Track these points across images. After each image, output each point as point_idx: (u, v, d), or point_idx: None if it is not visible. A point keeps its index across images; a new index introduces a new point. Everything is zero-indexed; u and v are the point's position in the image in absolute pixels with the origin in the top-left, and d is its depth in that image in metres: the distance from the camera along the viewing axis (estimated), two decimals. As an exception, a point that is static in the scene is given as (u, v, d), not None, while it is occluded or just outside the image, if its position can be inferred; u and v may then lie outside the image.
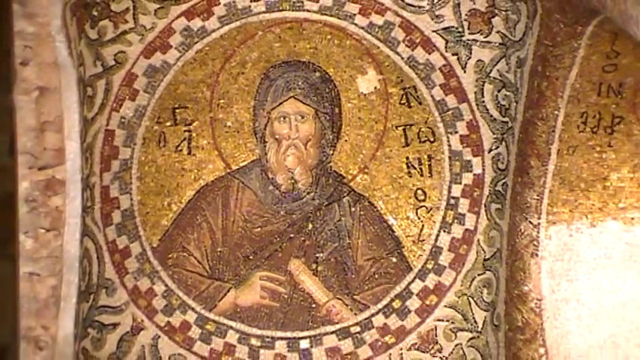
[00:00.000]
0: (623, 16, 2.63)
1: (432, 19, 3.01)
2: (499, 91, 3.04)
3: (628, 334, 3.09)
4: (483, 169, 3.07)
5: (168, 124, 3.02)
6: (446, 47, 3.00)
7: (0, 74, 1.18)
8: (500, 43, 3.00)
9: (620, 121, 2.96)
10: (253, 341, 3.08)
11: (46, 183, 3.05)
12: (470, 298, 3.10)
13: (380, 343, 3.08)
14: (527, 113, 3.02)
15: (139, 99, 2.99)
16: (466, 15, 2.99)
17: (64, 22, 3.00)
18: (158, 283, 3.02)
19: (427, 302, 3.09)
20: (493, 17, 2.99)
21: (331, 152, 3.08)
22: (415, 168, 3.10)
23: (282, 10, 2.99)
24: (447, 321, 3.10)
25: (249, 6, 2.95)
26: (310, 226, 3.13)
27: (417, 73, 3.03)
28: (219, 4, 2.96)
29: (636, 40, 2.62)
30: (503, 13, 2.98)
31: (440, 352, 3.11)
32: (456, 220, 3.08)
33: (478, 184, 3.08)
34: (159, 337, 3.01)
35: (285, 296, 3.10)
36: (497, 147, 3.06)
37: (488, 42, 3.00)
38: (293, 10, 2.99)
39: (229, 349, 3.10)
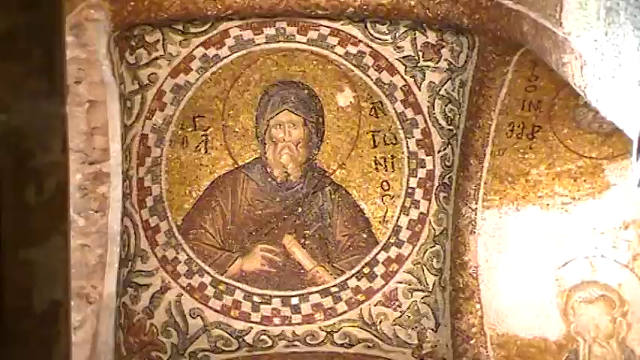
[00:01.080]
0: (540, 49, 3.24)
1: (395, 50, 3.74)
2: (446, 105, 3.78)
3: (544, 293, 3.85)
4: (434, 166, 3.84)
5: (189, 129, 3.76)
6: (405, 71, 3.74)
7: (54, 90, 1.51)
8: (447, 69, 3.72)
9: (538, 129, 3.68)
10: (255, 298, 3.92)
11: (94, 175, 3.65)
12: (423, 266, 3.90)
13: (353, 300, 3.90)
14: (467, 123, 3.74)
15: (166, 110, 3.73)
16: (421, 46, 3.69)
17: (109, 50, 3.61)
18: (181, 253, 3.83)
19: (390, 269, 3.91)
20: (442, 48, 3.70)
21: (316, 152, 3.83)
22: (381, 165, 3.87)
23: (278, 42, 3.70)
24: (406, 283, 3.91)
25: (253, 38, 3.66)
26: (300, 209, 3.92)
27: (383, 91, 3.79)
28: (230, 36, 3.67)
29: (550, 67, 3.32)
30: (450, 45, 3.70)
31: (399, 308, 3.93)
32: (412, 205, 3.86)
33: (430, 178, 3.86)
34: (181, 294, 3.83)
35: (280, 264, 3.92)
36: (445, 149, 3.80)
37: (438, 67, 3.73)
38: (287, 42, 3.70)
39: (236, 304, 3.92)
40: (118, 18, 3.60)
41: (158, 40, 3.68)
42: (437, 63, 3.77)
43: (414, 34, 3.78)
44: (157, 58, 3.69)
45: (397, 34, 3.76)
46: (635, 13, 2.31)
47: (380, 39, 3.77)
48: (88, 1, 3.50)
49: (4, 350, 1.40)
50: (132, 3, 3.54)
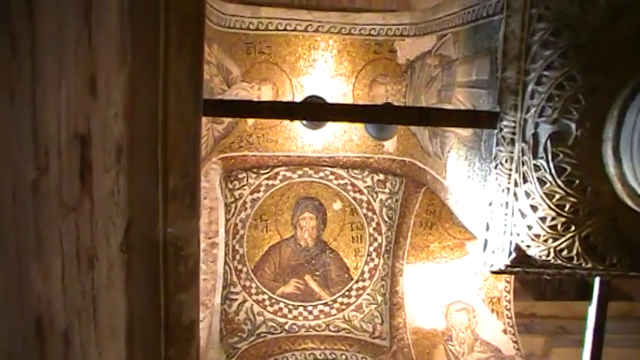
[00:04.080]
0: (435, 189, 4.62)
1: (362, 182, 6.03)
2: (388, 211, 6.04)
3: (436, 308, 6.38)
4: (381, 241, 6.16)
5: (258, 221, 6.04)
6: (368, 193, 6.06)
7: (195, 215, 2.42)
8: (389, 192, 6.02)
9: (433, 224, 5.84)
10: (290, 306, 6.27)
11: (211, 244, 5.89)
12: (375, 292, 6.00)
13: (340, 308, 6.20)
14: (399, 220, 5.93)
15: (247, 211, 6.06)
16: (376, 181, 6.00)
17: (220, 183, 5.78)
18: (253, 283, 6.09)
19: (359, 293, 6.12)
20: (386, 182, 5.98)
21: (322, 232, 6.17)
22: (355, 240, 6.17)
23: (304, 177, 6.02)
24: (366, 300, 6.19)
25: (291, 176, 6.02)
26: (313, 261, 6.14)
27: (356, 203, 6.11)
28: (279, 175, 5.96)
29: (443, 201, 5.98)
30: (390, 181, 5.96)
31: (363, 312, 6.62)
32: (370, 261, 6.14)
33: (379, 247, 6.13)
34: (252, 304, 6.06)
35: (303, 289, 6.17)
36: (387, 232, 6.05)
37: (384, 192, 6.02)
38: (309, 177, 6.00)
39: (280, 309, 6.04)
40: (225, 167, 5.51)
41: (244, 177, 5.89)
42: (384, 189, 6.08)
43: (372, 175, 5.92)
44: (243, 186, 5.94)
45: (363, 175, 5.95)
46: (483, 168, 3.24)
47: (355, 176, 6.04)
48: (210, 163, 5.17)
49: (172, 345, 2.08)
50: (232, 161, 5.50)
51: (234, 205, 6.09)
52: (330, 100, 5.48)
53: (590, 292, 3.69)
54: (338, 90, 5.61)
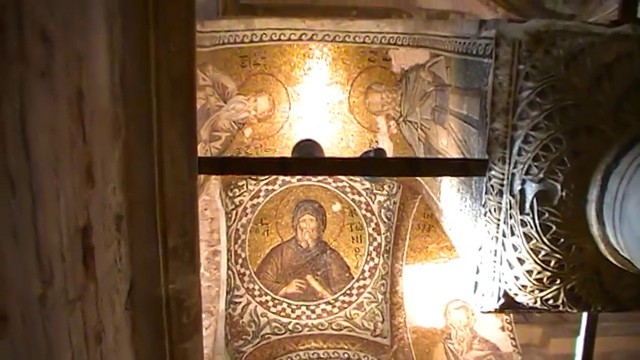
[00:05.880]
0: (432, 206, 4.60)
1: (361, 185, 6.20)
2: (387, 212, 6.17)
3: (436, 307, 6.58)
4: (381, 241, 6.31)
5: (259, 225, 6.18)
6: (367, 195, 6.22)
7: (195, 270, 2.46)
8: (387, 195, 6.18)
9: (431, 227, 5.99)
10: (292, 306, 6.43)
11: (213, 252, 5.98)
12: (376, 290, 6.27)
13: (341, 306, 6.35)
14: (397, 222, 6.09)
15: (248, 216, 6.16)
16: (373, 187, 6.50)
17: (220, 194, 5.87)
18: (256, 285, 6.27)
19: (360, 291, 6.30)
20: (384, 185, 6.26)
21: (322, 233, 6.31)
22: (355, 240, 6.29)
23: (301, 180, 6.34)
24: (367, 298, 6.45)
25: (290, 180, 6.22)
26: (314, 262, 6.30)
27: (355, 204, 6.24)
28: (279, 179, 6.11)
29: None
30: (388, 184, 6.44)
31: (364, 310, 6.85)
32: (371, 260, 6.27)
33: (379, 247, 6.27)
34: (256, 305, 6.25)
35: (305, 289, 6.34)
36: (386, 233, 6.20)
37: (383, 194, 6.15)
38: (307, 181, 6.21)
39: (283, 309, 6.39)
40: (225, 180, 5.77)
41: (244, 184, 6.04)
42: (381, 191, 6.21)
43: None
44: (243, 193, 6.07)
45: (361, 178, 6.11)
46: (474, 207, 3.24)
47: (353, 179, 6.17)
48: (211, 180, 5.39)
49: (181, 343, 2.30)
50: (232, 186, 6.07)
51: (234, 211, 6.24)
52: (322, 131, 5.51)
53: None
54: (334, 97, 5.65)
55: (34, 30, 1.44)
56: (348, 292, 6.49)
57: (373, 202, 6.30)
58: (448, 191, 3.95)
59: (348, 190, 6.22)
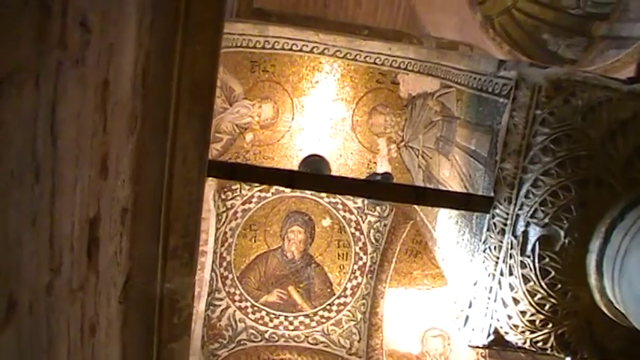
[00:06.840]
0: (425, 234, 4.77)
1: (354, 203, 6.26)
2: (376, 233, 6.21)
3: (413, 333, 6.69)
4: (366, 261, 6.31)
5: (247, 230, 6.15)
6: (357, 214, 6.20)
7: (192, 272, 2.46)
8: (378, 216, 6.22)
9: (418, 253, 6.04)
10: (271, 315, 6.29)
11: (200, 252, 6.46)
12: (356, 309, 6.32)
13: (320, 321, 6.33)
14: (385, 245, 6.09)
15: (237, 220, 6.10)
16: (367, 204, 6.53)
17: (214, 196, 5.90)
18: (237, 290, 6.23)
19: (339, 308, 6.29)
20: (377, 206, 6.59)
21: (309, 247, 6.33)
22: (341, 257, 6.31)
23: (294, 191, 6.71)
24: (346, 316, 6.41)
25: (283, 190, 6.64)
26: (298, 274, 6.29)
27: (346, 222, 6.25)
28: (272, 187, 6.41)
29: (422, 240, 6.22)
30: (380, 207, 6.61)
31: (342, 327, 6.84)
32: (354, 279, 6.28)
33: (364, 266, 6.28)
34: (235, 310, 6.21)
35: (285, 299, 6.32)
36: (372, 254, 6.29)
37: (373, 214, 6.21)
38: (300, 193, 6.28)
39: (262, 317, 6.29)
40: (220, 183, 5.79)
41: (237, 189, 6.03)
42: (373, 212, 6.22)
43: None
44: (236, 196, 6.04)
45: (353, 197, 6.74)
46: (472, 242, 3.35)
47: (347, 197, 6.25)
48: (207, 181, 5.95)
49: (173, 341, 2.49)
50: (225, 189, 5.91)
51: (225, 214, 6.20)
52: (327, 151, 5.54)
53: None
54: (338, 114, 5.68)
55: (75, 18, 1.43)
56: (328, 307, 6.49)
57: (363, 222, 6.32)
58: (445, 222, 3.99)
59: (339, 206, 6.24)
